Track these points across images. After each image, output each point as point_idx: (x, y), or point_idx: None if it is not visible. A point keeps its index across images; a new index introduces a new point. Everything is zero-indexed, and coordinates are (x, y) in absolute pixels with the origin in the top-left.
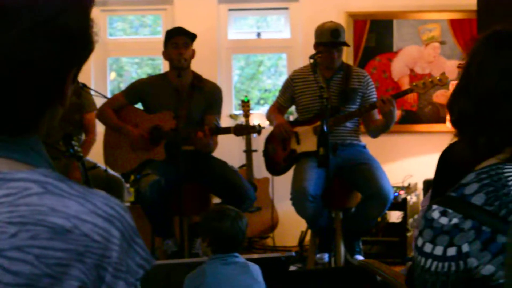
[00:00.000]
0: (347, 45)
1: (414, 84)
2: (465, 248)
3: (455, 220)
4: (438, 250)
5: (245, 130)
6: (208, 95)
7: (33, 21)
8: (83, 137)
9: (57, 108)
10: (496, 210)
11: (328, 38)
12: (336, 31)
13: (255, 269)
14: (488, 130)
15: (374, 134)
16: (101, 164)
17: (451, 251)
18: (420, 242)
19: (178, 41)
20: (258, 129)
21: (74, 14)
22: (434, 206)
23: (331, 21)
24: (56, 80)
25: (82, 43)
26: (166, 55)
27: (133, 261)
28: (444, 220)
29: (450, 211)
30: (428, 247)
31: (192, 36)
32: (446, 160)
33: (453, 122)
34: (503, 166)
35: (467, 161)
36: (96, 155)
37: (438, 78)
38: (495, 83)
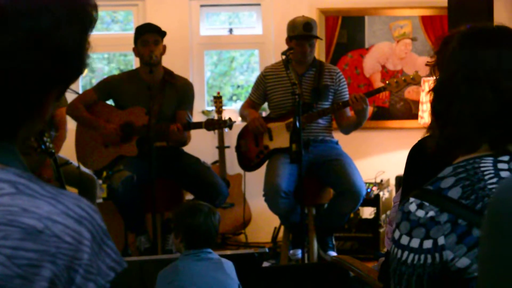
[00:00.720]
0: (320, 38)
1: (387, 82)
2: (441, 241)
3: (431, 213)
4: (415, 243)
5: (216, 124)
6: (179, 91)
7: (30, 31)
8: (54, 133)
9: (35, 122)
10: (472, 204)
11: (300, 31)
12: (308, 24)
13: (229, 265)
14: (447, 125)
15: (346, 131)
16: (73, 161)
17: (427, 244)
18: (397, 234)
19: (148, 39)
20: (229, 124)
21: (72, 32)
22: (411, 199)
23: (303, 16)
24: (39, 94)
25: (74, 63)
26: (137, 51)
27: (103, 263)
28: (420, 213)
29: (426, 204)
30: (405, 240)
31: (162, 33)
32: (415, 156)
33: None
34: (480, 160)
35: (440, 156)
36: (68, 151)
37: (411, 76)
38: (450, 78)
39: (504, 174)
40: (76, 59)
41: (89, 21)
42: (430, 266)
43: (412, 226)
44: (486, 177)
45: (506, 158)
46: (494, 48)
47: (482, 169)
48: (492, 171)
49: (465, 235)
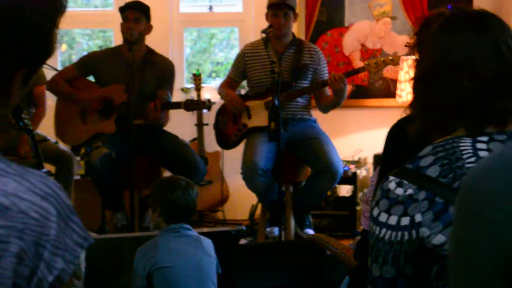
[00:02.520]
0: (293, 8)
1: (366, 63)
2: (418, 218)
3: (410, 191)
4: (393, 220)
5: (195, 105)
6: (160, 70)
7: None
8: (32, 110)
9: (1, 106)
10: (449, 182)
11: (275, 0)
12: None
13: (208, 243)
14: (426, 110)
15: (325, 109)
16: (51, 138)
17: (405, 221)
18: (375, 212)
19: (129, 16)
20: (208, 105)
21: (39, 12)
22: (391, 178)
23: None
24: (2, 76)
25: (39, 43)
26: (120, 28)
27: (70, 239)
28: (399, 191)
29: (405, 182)
30: (383, 217)
31: (146, 11)
32: (394, 136)
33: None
34: (459, 140)
35: (420, 139)
36: (46, 128)
37: (390, 58)
38: (429, 64)
39: (482, 154)
40: (42, 40)
41: (59, 6)
42: (407, 243)
43: (391, 204)
44: (464, 156)
45: (485, 138)
46: (471, 34)
47: (461, 148)
48: (471, 151)
49: (442, 212)
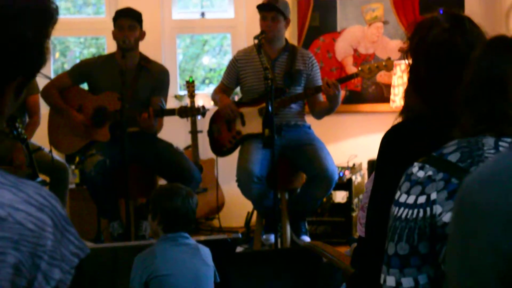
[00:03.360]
0: (281, 11)
1: (360, 69)
2: (433, 196)
3: (429, 173)
4: (411, 199)
5: (189, 112)
6: (155, 77)
7: None
8: (27, 119)
9: None
10: (467, 166)
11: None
12: None
13: (206, 251)
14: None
15: (319, 116)
16: (46, 147)
17: (422, 199)
18: (397, 195)
19: (123, 23)
20: (202, 111)
21: (30, 23)
22: (415, 163)
23: None
24: None
25: (31, 55)
26: (113, 35)
27: (67, 249)
28: (421, 173)
29: (427, 166)
30: (403, 198)
31: (139, 18)
32: (389, 142)
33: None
34: (483, 137)
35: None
36: (40, 137)
37: (383, 63)
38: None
39: (502, 148)
40: (34, 51)
41: (49, 17)
42: (421, 219)
43: (411, 185)
44: (485, 148)
45: (508, 139)
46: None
47: (484, 142)
48: (493, 145)
49: (455, 192)
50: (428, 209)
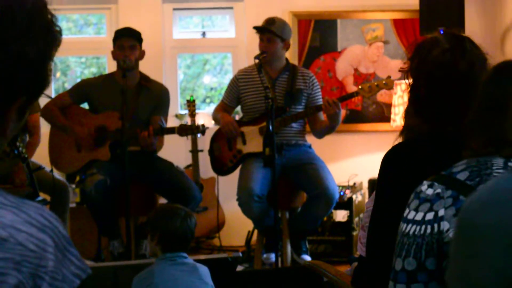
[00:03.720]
0: (276, 34)
1: (360, 87)
2: (441, 212)
3: (438, 190)
4: (419, 216)
5: (189, 130)
6: (155, 96)
7: None
8: (27, 138)
9: None
10: (475, 184)
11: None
12: (271, 20)
13: (204, 270)
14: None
15: (319, 135)
16: (46, 166)
17: (429, 216)
18: (406, 212)
19: (124, 43)
20: (202, 129)
21: (35, 43)
22: (424, 182)
23: (278, 17)
24: None
25: (34, 75)
26: (113, 55)
27: (68, 270)
28: (430, 191)
29: (436, 183)
30: (411, 215)
31: (139, 38)
32: (390, 161)
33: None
34: (492, 158)
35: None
36: (41, 156)
37: (384, 82)
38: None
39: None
40: (36, 72)
41: (53, 38)
42: (429, 235)
43: (420, 203)
44: (494, 167)
45: None
46: None
47: (493, 162)
48: (502, 165)
49: None
50: (435, 225)
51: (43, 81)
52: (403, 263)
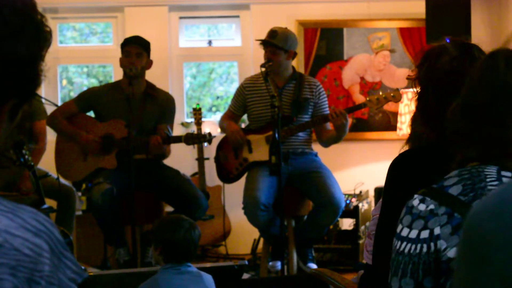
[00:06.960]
0: (277, 46)
1: (368, 99)
2: (437, 231)
3: (431, 206)
4: (413, 234)
5: (195, 139)
6: (161, 105)
7: None
8: (33, 145)
9: None
10: (469, 200)
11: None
12: (274, 32)
13: (208, 278)
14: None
15: (326, 144)
16: (53, 173)
17: (424, 234)
18: (399, 228)
19: (131, 50)
20: (208, 138)
21: (24, 44)
22: (415, 196)
23: (284, 27)
24: None
25: (25, 75)
26: (120, 62)
27: (64, 275)
28: (422, 207)
29: (428, 198)
30: (405, 232)
31: (147, 46)
32: (396, 170)
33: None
34: (485, 167)
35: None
36: (47, 163)
37: (392, 94)
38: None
39: (506, 180)
40: (28, 72)
41: (44, 38)
42: (425, 255)
43: (413, 219)
44: (488, 180)
45: (509, 174)
46: None
47: (486, 173)
48: (495, 176)
49: (460, 227)
50: (432, 244)
51: (35, 82)
52: (399, 282)
